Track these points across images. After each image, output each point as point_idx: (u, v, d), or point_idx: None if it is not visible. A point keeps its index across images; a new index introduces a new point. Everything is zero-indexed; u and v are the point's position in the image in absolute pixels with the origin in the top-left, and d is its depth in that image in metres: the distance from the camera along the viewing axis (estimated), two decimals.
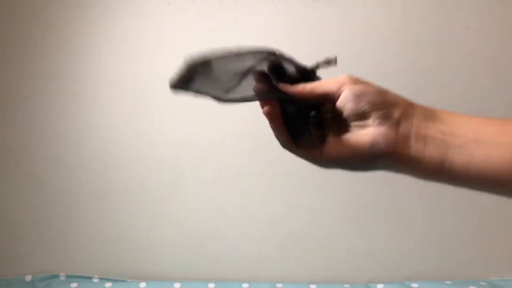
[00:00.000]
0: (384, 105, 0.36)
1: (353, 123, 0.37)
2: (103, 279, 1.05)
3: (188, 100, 1.03)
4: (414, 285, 1.05)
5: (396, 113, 0.35)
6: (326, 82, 0.39)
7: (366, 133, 0.36)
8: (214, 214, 1.07)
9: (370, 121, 0.36)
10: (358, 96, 0.36)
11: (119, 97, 1.02)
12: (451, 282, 1.06)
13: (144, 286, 1.01)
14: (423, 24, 1.02)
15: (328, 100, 0.38)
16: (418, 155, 0.34)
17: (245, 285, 1.03)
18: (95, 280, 1.05)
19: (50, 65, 1.01)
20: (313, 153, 0.40)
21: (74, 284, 1.01)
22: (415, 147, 0.34)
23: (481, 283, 1.06)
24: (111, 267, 1.08)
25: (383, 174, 1.09)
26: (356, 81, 0.37)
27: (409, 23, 1.02)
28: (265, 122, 1.06)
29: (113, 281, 1.05)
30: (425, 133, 0.34)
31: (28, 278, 1.03)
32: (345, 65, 1.04)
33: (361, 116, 0.36)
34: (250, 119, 1.04)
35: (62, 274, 1.05)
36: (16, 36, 0.99)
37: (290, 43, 1.02)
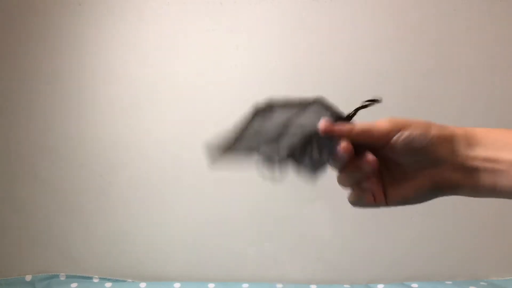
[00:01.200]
0: (435, 142, 0.37)
1: (408, 164, 0.39)
2: (103, 279, 1.05)
3: (188, 101, 1.04)
4: (414, 285, 1.05)
5: (446, 149, 0.37)
6: (378, 123, 0.40)
7: (423, 174, 0.38)
8: (214, 214, 1.07)
9: (424, 160, 0.38)
10: (411, 137, 0.38)
11: (119, 97, 1.02)
12: (451, 282, 1.06)
13: (144, 286, 1.01)
14: (423, 24, 1.03)
15: (380, 140, 0.39)
16: (472, 185, 0.37)
17: (245, 285, 1.03)
18: (95, 280, 1.05)
19: (51, 65, 1.01)
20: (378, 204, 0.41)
21: (74, 284, 1.01)
22: (468, 178, 0.37)
23: (481, 283, 1.06)
24: (111, 267, 1.08)
25: None
26: (405, 122, 0.38)
27: (409, 23, 1.02)
28: None
29: (113, 281, 1.05)
30: (473, 164, 0.37)
31: (28, 278, 1.03)
32: (345, 65, 1.05)
33: (415, 155, 0.38)
34: None
35: (62, 274, 1.05)
36: (17, 35, 0.99)
37: (290, 43, 1.02)
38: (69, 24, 0.99)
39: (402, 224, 1.08)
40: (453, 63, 1.04)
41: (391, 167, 0.40)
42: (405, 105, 1.05)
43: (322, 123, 0.40)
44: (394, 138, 0.38)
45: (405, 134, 0.37)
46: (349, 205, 0.45)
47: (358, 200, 0.41)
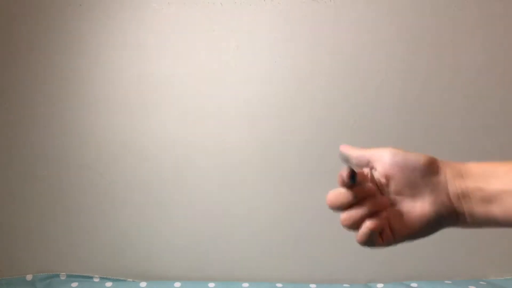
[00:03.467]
0: (428, 169, 0.39)
1: (405, 196, 0.40)
2: (104, 279, 1.06)
3: (188, 101, 1.04)
4: (414, 284, 1.05)
5: (442, 177, 0.39)
6: (368, 151, 0.41)
7: (424, 202, 0.39)
8: (214, 214, 1.07)
9: (421, 186, 0.39)
10: (405, 167, 0.39)
11: (120, 97, 1.02)
12: (450, 282, 1.06)
13: (144, 285, 1.01)
14: (422, 24, 1.03)
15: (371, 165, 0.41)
16: (468, 212, 0.38)
17: (245, 284, 1.03)
18: (95, 280, 1.05)
19: (51, 65, 1.01)
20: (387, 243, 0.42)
21: (75, 284, 1.02)
22: (464, 205, 0.38)
23: (480, 282, 1.06)
24: (111, 267, 1.08)
25: None
26: (397, 153, 0.40)
27: (409, 23, 1.03)
28: (265, 122, 1.06)
29: (114, 280, 1.05)
30: (467, 191, 0.38)
31: (29, 277, 1.03)
32: (345, 65, 1.05)
33: (412, 186, 0.39)
34: (251, 119, 1.04)
35: (63, 273, 1.05)
36: (17, 35, 1.00)
37: (290, 43, 1.02)
38: (70, 25, 1.00)
39: None
40: (453, 63, 1.04)
41: (395, 203, 0.41)
42: (404, 105, 1.05)
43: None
44: (392, 162, 0.40)
45: (400, 158, 0.39)
46: None
47: (366, 240, 0.40)
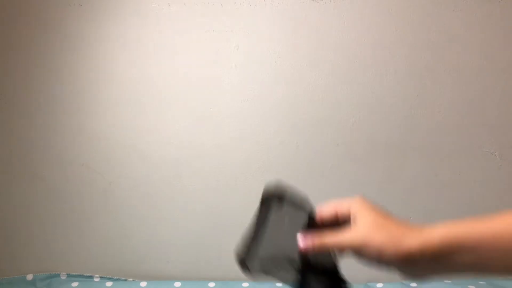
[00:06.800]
0: (396, 265, 0.42)
1: None
2: (104, 278, 1.06)
3: (188, 101, 1.04)
4: (414, 284, 1.05)
5: (415, 267, 0.41)
6: (344, 238, 0.43)
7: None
8: (214, 214, 1.07)
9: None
10: (368, 259, 0.43)
11: (120, 97, 1.03)
12: (450, 282, 1.06)
13: (144, 285, 1.01)
14: (422, 24, 1.03)
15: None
16: (447, 273, 0.39)
17: (245, 284, 1.03)
18: (96, 279, 1.05)
19: (51, 65, 1.01)
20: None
21: (75, 283, 1.02)
22: (445, 274, 0.40)
23: (480, 282, 1.06)
24: (112, 267, 1.08)
25: (382, 173, 1.09)
26: (364, 240, 0.41)
27: (408, 23, 1.03)
28: (265, 122, 1.06)
29: (114, 280, 1.05)
30: (435, 272, 0.40)
31: (29, 277, 1.04)
32: (345, 65, 1.05)
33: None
34: (251, 119, 1.04)
35: (63, 273, 1.05)
36: (18, 35, 1.00)
37: (290, 43, 1.02)
38: (70, 25, 1.00)
39: None
40: (453, 63, 1.04)
41: None
42: (404, 105, 1.05)
43: (302, 244, 0.44)
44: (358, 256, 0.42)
45: (362, 253, 0.41)
46: None
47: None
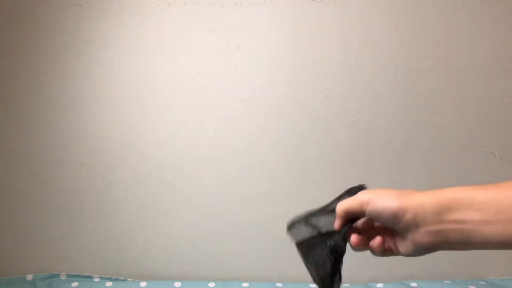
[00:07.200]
0: (396, 219, 0.42)
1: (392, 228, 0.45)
2: (104, 279, 1.06)
3: (189, 101, 1.04)
4: (413, 284, 1.05)
5: (410, 220, 0.42)
6: (351, 204, 0.46)
7: (406, 242, 0.44)
8: (214, 214, 1.07)
9: (399, 231, 0.44)
10: (373, 218, 0.45)
11: (120, 97, 1.03)
12: (450, 282, 1.06)
13: (144, 285, 1.01)
14: (422, 24, 1.03)
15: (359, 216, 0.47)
16: (446, 244, 0.42)
17: (245, 284, 1.03)
18: (96, 280, 1.05)
19: (51, 65, 1.01)
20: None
21: (75, 284, 1.02)
22: (441, 240, 0.42)
23: (480, 282, 1.06)
24: (111, 267, 1.08)
25: (382, 173, 1.09)
26: (368, 202, 0.44)
27: (408, 23, 1.03)
28: (265, 122, 1.06)
29: (114, 280, 1.05)
30: (442, 227, 0.41)
31: (29, 277, 1.04)
32: (345, 65, 1.05)
33: (392, 228, 0.45)
34: (251, 119, 1.04)
35: (63, 273, 1.05)
36: (18, 35, 1.00)
37: (290, 43, 1.02)
38: (70, 25, 1.00)
39: None
40: (453, 63, 1.04)
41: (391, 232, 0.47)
42: (404, 105, 1.05)
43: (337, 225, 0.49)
44: (366, 212, 0.45)
45: (369, 208, 0.44)
46: None
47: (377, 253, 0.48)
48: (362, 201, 0.45)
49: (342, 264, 0.52)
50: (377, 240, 0.47)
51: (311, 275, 0.53)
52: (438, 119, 1.06)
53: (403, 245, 0.45)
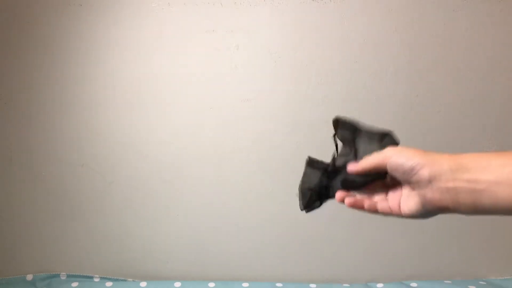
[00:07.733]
0: (415, 167, 0.44)
1: (405, 184, 0.48)
2: (104, 279, 1.06)
3: (189, 101, 1.04)
4: (413, 284, 1.05)
5: (427, 173, 0.43)
6: (374, 157, 0.50)
7: (416, 192, 0.46)
8: (214, 214, 1.07)
9: (411, 181, 0.46)
10: (392, 171, 0.47)
11: (120, 97, 1.03)
12: (450, 282, 1.06)
13: (144, 285, 1.02)
14: (422, 24, 1.03)
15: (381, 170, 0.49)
16: (455, 204, 0.43)
17: (245, 284, 1.03)
18: (96, 280, 1.05)
19: (51, 65, 1.01)
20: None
21: (75, 284, 1.02)
22: (450, 199, 0.43)
23: (480, 282, 1.06)
24: (111, 267, 1.08)
25: None
26: (391, 156, 0.47)
27: (408, 23, 1.03)
28: (265, 122, 1.06)
29: (114, 280, 1.05)
30: (454, 185, 0.42)
31: (29, 277, 1.04)
32: (345, 65, 1.05)
33: (404, 178, 0.46)
34: (250, 119, 1.04)
35: (63, 273, 1.06)
36: (18, 35, 1.00)
37: (290, 43, 1.02)
38: (69, 25, 1.00)
39: (401, 224, 1.08)
40: (453, 63, 1.04)
41: (400, 185, 0.49)
42: (404, 104, 1.05)
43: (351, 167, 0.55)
44: (387, 164, 0.47)
45: (390, 161, 0.47)
46: None
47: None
48: (385, 155, 0.48)
49: (329, 198, 0.58)
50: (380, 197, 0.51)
51: (300, 185, 0.61)
52: (438, 119, 1.06)
53: (409, 202, 0.46)
